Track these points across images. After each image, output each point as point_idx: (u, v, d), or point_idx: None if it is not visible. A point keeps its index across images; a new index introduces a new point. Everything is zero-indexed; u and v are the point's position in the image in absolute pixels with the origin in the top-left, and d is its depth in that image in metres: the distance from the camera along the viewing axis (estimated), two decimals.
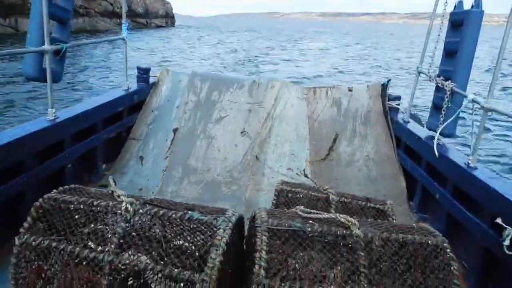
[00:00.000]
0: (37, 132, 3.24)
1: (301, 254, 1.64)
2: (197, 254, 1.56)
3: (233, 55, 27.98)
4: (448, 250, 1.73)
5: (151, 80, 5.24)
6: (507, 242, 2.48)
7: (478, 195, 3.03)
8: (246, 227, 2.00)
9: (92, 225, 1.72)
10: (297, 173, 4.41)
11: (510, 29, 2.93)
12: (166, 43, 35.19)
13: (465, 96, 3.43)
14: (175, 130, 4.79)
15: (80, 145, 3.87)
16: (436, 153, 3.56)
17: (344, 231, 1.70)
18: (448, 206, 3.41)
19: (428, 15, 4.25)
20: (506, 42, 2.99)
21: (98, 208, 1.73)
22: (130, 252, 1.59)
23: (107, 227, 1.70)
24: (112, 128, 4.45)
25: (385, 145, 4.61)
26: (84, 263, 1.61)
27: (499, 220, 2.63)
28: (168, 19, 63.81)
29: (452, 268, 1.68)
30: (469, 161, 3.27)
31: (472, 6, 3.55)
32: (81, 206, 1.74)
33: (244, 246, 1.96)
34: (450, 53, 3.81)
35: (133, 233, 1.64)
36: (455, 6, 3.82)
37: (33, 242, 1.65)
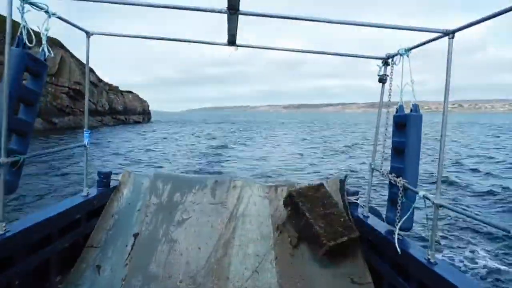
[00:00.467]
0: None
1: None
2: None
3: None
4: None
5: (113, 183, 5.18)
6: None
7: None
8: None
9: None
10: (262, 275, 4.30)
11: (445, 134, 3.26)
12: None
13: (417, 193, 3.61)
14: (135, 235, 4.64)
15: (32, 258, 3.65)
16: (398, 250, 3.62)
17: None
18: None
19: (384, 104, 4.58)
20: (444, 145, 3.30)
21: None
22: None
23: None
24: (68, 236, 4.26)
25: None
26: None
27: None
28: (145, 115, 71.87)
29: None
30: (429, 256, 3.35)
31: (411, 110, 3.92)
32: None
33: None
34: (398, 151, 4.09)
35: None
36: (397, 110, 4.20)
37: None
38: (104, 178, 5.03)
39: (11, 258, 3.37)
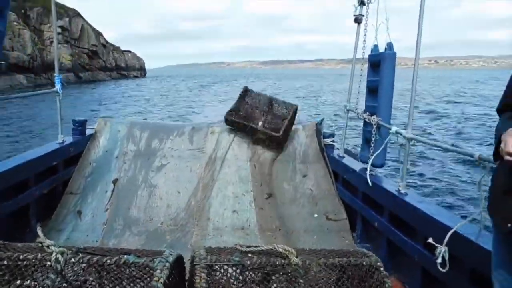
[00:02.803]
0: None
1: (241, 287, 1.65)
2: None
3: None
4: (382, 269, 1.82)
5: (88, 132, 5.12)
6: (439, 260, 2.64)
7: (410, 218, 3.23)
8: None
9: (18, 282, 1.61)
10: (241, 215, 4.42)
11: (417, 72, 3.33)
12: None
13: (389, 129, 3.71)
14: (114, 181, 4.66)
15: (10, 202, 3.64)
16: (370, 183, 3.77)
17: (283, 261, 1.74)
18: (387, 232, 3.58)
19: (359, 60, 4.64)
20: (416, 83, 3.38)
21: (25, 262, 1.63)
22: None
23: (35, 282, 1.60)
24: (46, 183, 4.24)
25: (324, 181, 4.79)
26: None
27: (430, 240, 2.81)
28: (142, 71, 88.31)
29: (386, 285, 1.76)
30: (400, 188, 3.50)
31: (385, 49, 3.96)
32: (5, 262, 1.63)
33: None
34: (372, 90, 4.15)
35: (64, 284, 1.56)
36: (371, 49, 4.23)
37: None
38: (80, 126, 4.96)
39: None
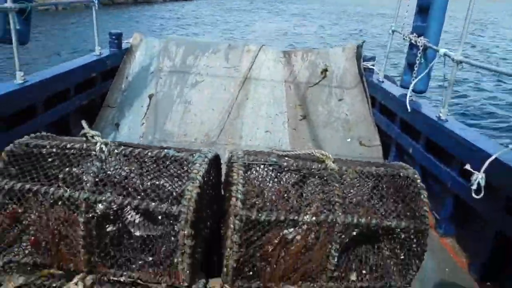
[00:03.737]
0: (6, 95, 3.13)
1: (277, 187, 1.67)
2: (174, 188, 1.57)
3: None
4: (419, 181, 1.79)
5: (124, 46, 5.11)
6: (475, 186, 2.59)
7: (448, 145, 3.14)
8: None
9: (67, 168, 1.70)
10: (274, 135, 4.44)
11: None
12: None
13: (437, 51, 3.49)
14: (150, 96, 4.72)
15: (52, 111, 3.77)
16: (409, 109, 3.64)
17: (319, 165, 1.74)
18: (421, 158, 3.52)
19: None
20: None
21: (72, 151, 1.70)
22: (105, 189, 1.58)
23: (81, 169, 1.68)
24: (85, 94, 4.35)
25: (360, 105, 4.67)
26: (60, 202, 1.59)
27: (468, 167, 2.73)
28: None
29: (422, 197, 1.74)
30: (440, 114, 3.36)
31: None
32: (54, 150, 1.71)
33: (222, 189, 1.98)
34: (422, 9, 3.85)
35: (109, 172, 1.63)
36: None
37: (6, 186, 1.62)
38: (116, 39, 4.94)
39: (33, 107, 3.48)
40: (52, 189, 1.59)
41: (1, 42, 3.45)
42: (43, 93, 3.63)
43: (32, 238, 1.64)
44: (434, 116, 3.42)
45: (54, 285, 1.57)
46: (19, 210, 1.65)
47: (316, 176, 1.72)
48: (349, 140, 4.48)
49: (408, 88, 3.85)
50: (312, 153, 1.76)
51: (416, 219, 1.72)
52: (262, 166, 1.70)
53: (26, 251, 1.64)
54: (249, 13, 34.52)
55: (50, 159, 1.71)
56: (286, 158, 1.76)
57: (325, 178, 1.71)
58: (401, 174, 1.80)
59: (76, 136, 4.11)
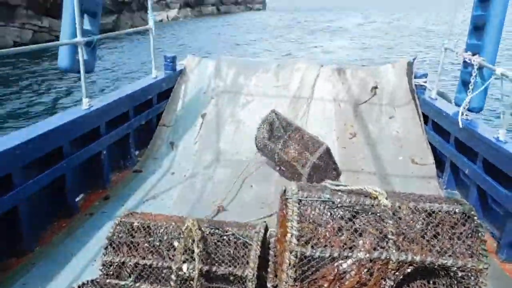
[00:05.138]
0: (74, 120, 3.42)
1: (331, 223, 1.73)
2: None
3: None
4: (476, 218, 1.77)
5: (178, 67, 5.37)
6: None
7: (509, 168, 3.02)
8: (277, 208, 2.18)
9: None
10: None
11: None
12: None
13: (494, 70, 3.38)
14: (203, 116, 4.92)
15: (114, 132, 4.05)
16: (461, 125, 3.54)
17: (372, 201, 1.77)
18: (479, 180, 3.41)
19: None
20: None
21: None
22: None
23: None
24: (143, 115, 4.62)
25: (412, 123, 4.59)
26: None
27: None
28: (263, 4, 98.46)
29: (479, 234, 1.72)
30: (499, 135, 3.25)
31: None
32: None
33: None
34: (477, 27, 3.74)
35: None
36: None
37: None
38: (171, 62, 5.21)
39: (97, 130, 3.78)
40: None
41: (71, 71, 3.78)
42: (106, 117, 3.92)
43: None
44: (492, 137, 3.30)
45: None
46: None
47: (369, 213, 1.75)
48: (401, 158, 4.41)
49: (462, 106, 3.75)
50: (365, 188, 1.80)
51: (474, 257, 1.70)
52: (316, 202, 1.76)
53: None
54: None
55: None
56: (339, 193, 1.81)
57: (378, 214, 1.74)
58: (457, 210, 1.79)
59: (134, 156, 4.38)
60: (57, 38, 3.60)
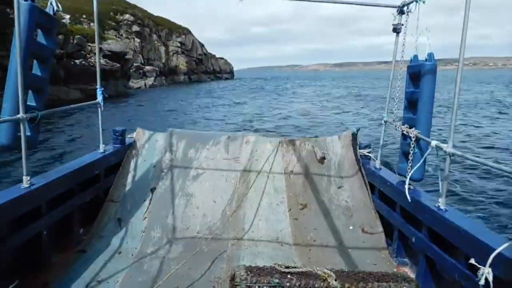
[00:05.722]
0: (13, 200, 3.20)
1: None
2: None
3: None
4: None
5: (128, 141, 5.29)
6: (482, 282, 2.54)
7: (451, 236, 3.13)
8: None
9: None
10: (276, 226, 4.43)
11: (460, 80, 3.18)
12: None
13: (429, 142, 3.62)
14: (152, 190, 4.79)
15: (56, 210, 3.81)
16: (409, 198, 3.68)
17: (322, 283, 1.74)
18: (425, 248, 3.49)
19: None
20: (458, 93, 3.23)
21: None
22: None
23: None
24: (89, 191, 4.42)
25: (360, 193, 4.72)
26: None
27: (472, 261, 2.71)
28: (231, 74, 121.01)
29: None
30: (439, 204, 3.39)
31: (426, 60, 3.84)
32: None
33: None
34: (411, 102, 4.06)
35: None
36: (411, 60, 4.13)
37: None
38: (120, 135, 5.13)
39: (38, 209, 3.53)
40: None
41: (11, 149, 3.59)
42: (48, 195, 3.70)
43: None
44: (434, 205, 3.45)
45: None
46: None
47: None
48: (351, 227, 4.47)
49: (405, 176, 3.93)
50: (314, 270, 1.78)
51: None
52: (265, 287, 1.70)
53: None
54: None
55: None
56: (289, 276, 1.77)
57: None
58: None
59: (78, 235, 4.10)
60: None
